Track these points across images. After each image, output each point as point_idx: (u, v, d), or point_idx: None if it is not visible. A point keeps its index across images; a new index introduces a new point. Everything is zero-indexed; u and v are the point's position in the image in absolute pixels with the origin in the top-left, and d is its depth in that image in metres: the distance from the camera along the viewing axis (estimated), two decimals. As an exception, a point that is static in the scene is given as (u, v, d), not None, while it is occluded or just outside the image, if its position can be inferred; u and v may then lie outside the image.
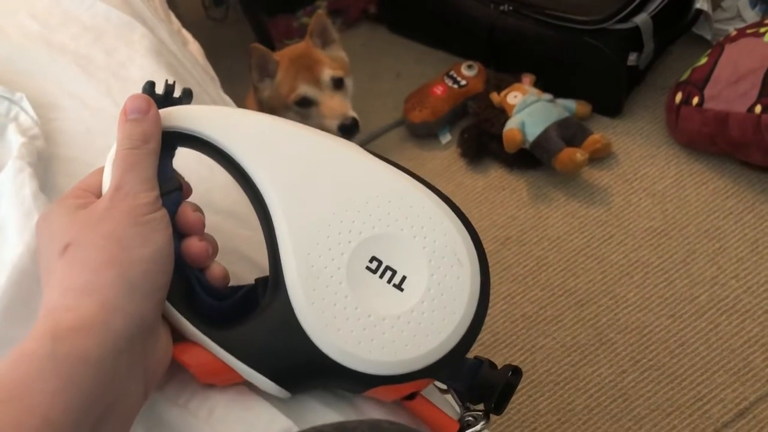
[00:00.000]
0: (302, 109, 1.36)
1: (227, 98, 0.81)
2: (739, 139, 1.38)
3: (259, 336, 0.43)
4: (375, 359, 0.42)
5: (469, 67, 1.69)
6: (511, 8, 1.57)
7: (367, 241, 0.44)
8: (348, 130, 1.35)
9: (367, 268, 0.44)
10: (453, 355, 0.43)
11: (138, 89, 0.50)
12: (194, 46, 1.02)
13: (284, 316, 0.42)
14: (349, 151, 0.48)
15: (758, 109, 1.34)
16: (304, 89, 1.35)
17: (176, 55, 0.72)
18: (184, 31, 1.07)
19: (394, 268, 0.44)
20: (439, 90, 1.68)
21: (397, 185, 0.46)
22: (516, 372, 0.46)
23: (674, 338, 1.30)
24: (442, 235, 0.45)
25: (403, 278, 0.44)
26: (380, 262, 0.44)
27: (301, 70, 1.36)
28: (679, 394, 1.24)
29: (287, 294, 0.43)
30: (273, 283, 0.44)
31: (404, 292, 0.43)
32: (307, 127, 0.48)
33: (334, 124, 1.35)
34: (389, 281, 0.44)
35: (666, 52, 1.66)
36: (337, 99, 1.37)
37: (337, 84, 1.38)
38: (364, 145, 1.74)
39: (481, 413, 0.47)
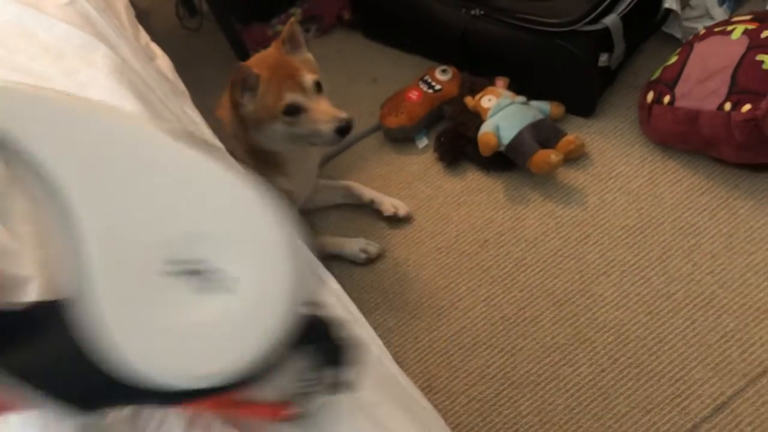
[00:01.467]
0: (291, 118, 1.36)
1: (192, 113, 0.81)
2: (711, 136, 1.40)
3: (47, 357, 0.39)
4: (183, 372, 0.39)
5: (444, 71, 1.70)
6: (482, 13, 1.58)
7: (172, 246, 0.40)
8: (344, 131, 1.36)
9: (172, 273, 0.40)
10: (267, 361, 0.40)
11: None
12: (163, 61, 1.02)
13: (74, 336, 0.38)
14: (152, 133, 0.42)
15: (728, 106, 1.36)
16: (291, 96, 1.35)
17: (139, 73, 0.72)
18: (153, 45, 1.07)
19: (205, 272, 0.40)
20: (414, 95, 1.69)
21: (205, 178, 0.42)
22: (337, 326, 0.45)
23: (652, 335, 1.31)
24: (254, 237, 0.42)
25: (213, 283, 0.40)
26: (191, 268, 0.40)
27: (283, 79, 1.35)
28: (658, 391, 1.25)
29: (83, 310, 0.38)
30: (61, 298, 0.40)
31: (213, 299, 0.40)
32: (103, 103, 0.44)
33: (329, 127, 1.36)
34: (198, 289, 0.40)
35: (637, 51, 1.68)
36: (323, 103, 1.38)
37: (318, 87, 1.39)
38: (342, 151, 1.75)
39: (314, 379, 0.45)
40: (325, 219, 1.66)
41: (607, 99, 1.65)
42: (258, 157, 1.41)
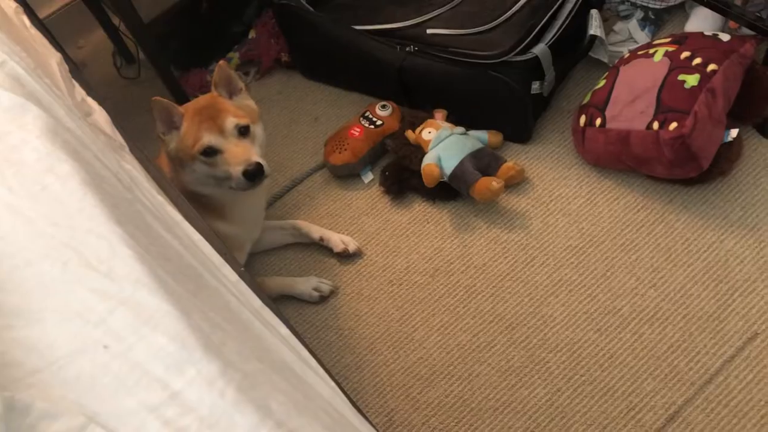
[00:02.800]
0: (208, 159, 1.36)
1: (129, 167, 0.81)
2: (642, 154, 1.46)
3: None
4: None
5: (384, 107, 1.73)
6: (416, 48, 1.62)
7: None
8: (252, 175, 1.35)
9: None
10: None
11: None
12: (100, 115, 1.01)
13: None
14: None
15: (656, 125, 1.42)
16: (208, 138, 1.35)
17: (74, 131, 0.72)
18: (89, 100, 1.06)
19: None
20: (356, 131, 1.71)
21: None
22: None
23: (602, 351, 1.35)
24: None
25: None
26: None
27: (204, 120, 1.36)
28: (612, 406, 1.28)
29: None
30: None
31: None
32: None
33: (238, 170, 1.35)
34: None
35: (568, 77, 1.74)
36: (242, 146, 1.37)
37: (243, 131, 1.38)
38: (288, 190, 1.75)
39: None
40: (275, 260, 1.66)
41: (542, 125, 1.71)
42: (194, 202, 1.40)
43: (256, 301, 0.72)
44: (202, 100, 1.43)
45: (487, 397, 1.34)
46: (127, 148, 0.98)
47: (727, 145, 1.46)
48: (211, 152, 1.35)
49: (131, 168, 0.81)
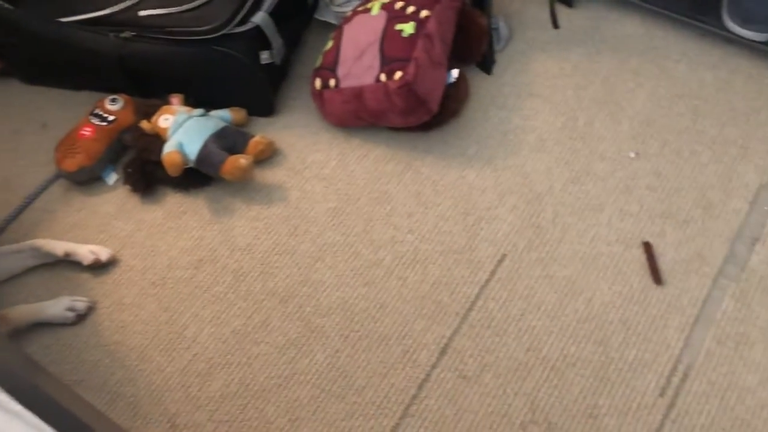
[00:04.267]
0: None
1: None
2: (376, 108, 1.49)
3: None
4: None
5: (113, 100, 1.61)
6: (133, 34, 1.52)
7: None
8: None
9: None
10: None
11: None
12: None
13: None
14: None
15: (383, 77, 1.46)
16: None
17: None
18: None
19: None
20: (87, 131, 1.58)
21: None
22: None
23: (373, 303, 1.37)
24: None
25: None
26: None
27: None
28: (389, 354, 1.31)
29: None
30: None
31: None
32: None
33: None
34: None
35: (301, 43, 1.74)
36: None
37: None
38: (22, 210, 1.56)
39: None
40: (18, 289, 1.48)
41: (285, 95, 1.69)
42: None
43: None
44: None
45: (269, 376, 1.31)
46: None
47: (452, 86, 1.53)
48: None
49: None
